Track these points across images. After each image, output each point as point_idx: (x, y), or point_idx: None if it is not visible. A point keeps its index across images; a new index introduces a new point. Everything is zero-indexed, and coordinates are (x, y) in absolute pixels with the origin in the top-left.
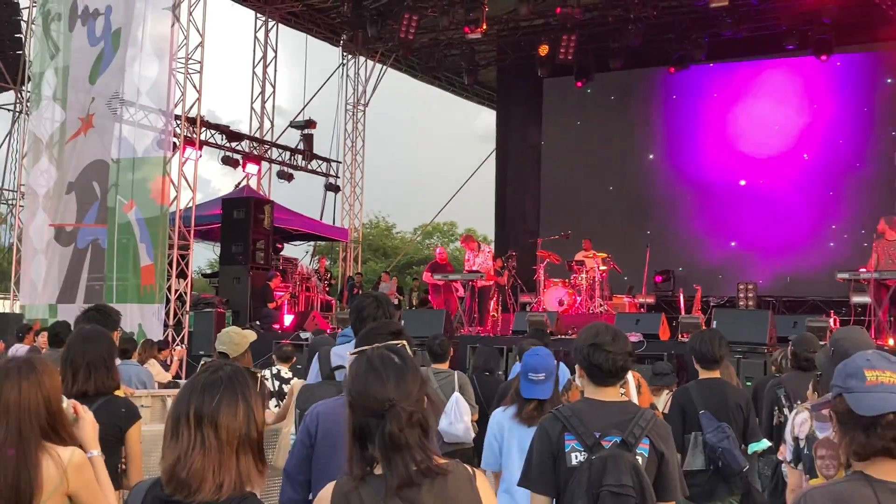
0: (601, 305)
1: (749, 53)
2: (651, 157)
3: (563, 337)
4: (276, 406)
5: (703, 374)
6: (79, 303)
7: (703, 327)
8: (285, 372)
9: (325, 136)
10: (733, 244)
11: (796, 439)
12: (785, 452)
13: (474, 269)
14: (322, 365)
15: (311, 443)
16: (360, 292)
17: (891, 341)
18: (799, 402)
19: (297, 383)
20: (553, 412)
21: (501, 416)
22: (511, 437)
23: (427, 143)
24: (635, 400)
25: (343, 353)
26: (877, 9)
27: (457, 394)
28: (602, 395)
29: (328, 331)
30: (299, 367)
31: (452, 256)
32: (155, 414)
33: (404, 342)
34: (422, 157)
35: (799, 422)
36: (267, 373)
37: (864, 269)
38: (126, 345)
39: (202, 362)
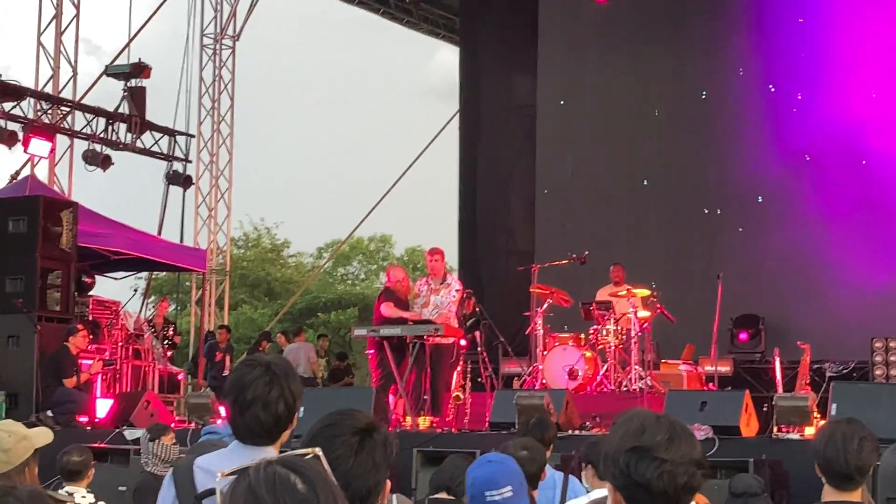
0: (642, 378)
1: None
2: (721, 119)
3: (575, 433)
4: None
5: (833, 496)
6: None
7: (815, 413)
8: (81, 496)
9: (166, 92)
10: (865, 273)
11: None
12: None
13: (429, 312)
14: (181, 492)
15: None
16: (228, 357)
17: None
18: None
19: None
20: None
21: None
22: None
23: (342, 106)
24: None
25: (216, 469)
26: None
27: None
28: None
29: (173, 425)
30: (122, 488)
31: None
32: None
33: (317, 453)
34: (333, 130)
35: None
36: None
37: None
38: None
39: None
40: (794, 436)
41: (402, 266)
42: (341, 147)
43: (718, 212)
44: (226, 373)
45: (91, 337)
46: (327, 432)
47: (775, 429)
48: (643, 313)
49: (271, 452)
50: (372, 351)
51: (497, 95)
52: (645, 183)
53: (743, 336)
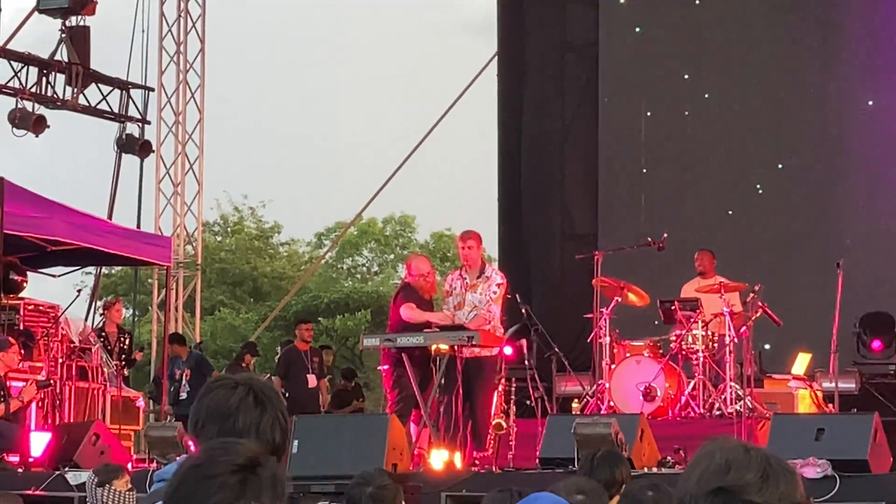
0: (740, 398)
1: None
2: (863, 49)
3: (653, 470)
4: None
5: None
6: None
7: None
8: None
9: (117, 33)
10: None
11: None
12: None
13: (465, 314)
14: None
15: None
16: (186, 373)
17: None
18: None
19: None
20: None
21: None
22: None
23: (348, 48)
24: None
25: None
26: None
27: None
28: None
29: (129, 466)
30: None
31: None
32: None
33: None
34: (336, 80)
35: None
36: None
37: None
38: None
39: None
40: None
41: (428, 256)
42: (346, 102)
43: (840, 180)
44: (182, 395)
45: (23, 352)
46: (197, 473)
47: None
48: (740, 310)
49: None
50: (387, 366)
51: (547, 31)
52: (758, 138)
53: (876, 344)
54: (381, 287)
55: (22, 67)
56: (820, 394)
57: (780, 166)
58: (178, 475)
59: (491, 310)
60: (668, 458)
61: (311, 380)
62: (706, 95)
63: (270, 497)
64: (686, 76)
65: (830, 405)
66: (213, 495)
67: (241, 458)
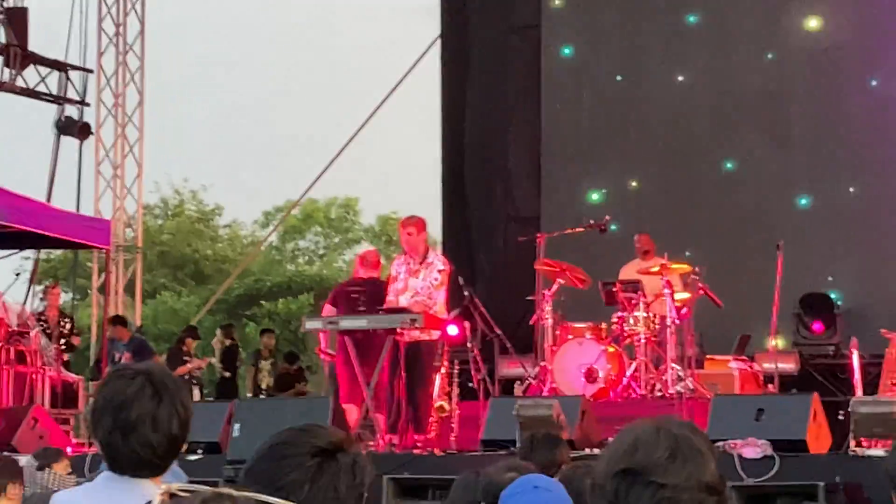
0: (681, 379)
1: None
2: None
3: (594, 452)
4: None
5: None
6: None
7: None
8: None
9: (55, 14)
10: None
11: None
12: None
13: (407, 299)
14: None
15: None
16: (135, 359)
17: None
18: None
19: None
20: None
21: None
22: None
23: (292, 29)
24: None
25: None
26: None
27: None
28: None
29: (68, 450)
30: None
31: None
32: None
33: None
34: (279, 61)
35: None
36: None
37: None
38: None
39: None
40: (878, 451)
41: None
42: (290, 83)
43: (782, 161)
44: None
45: None
46: (277, 452)
47: (853, 443)
48: (681, 295)
49: (151, 488)
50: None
51: (490, 13)
52: (695, 119)
53: (817, 326)
54: (325, 270)
55: None
56: (760, 374)
57: (722, 149)
58: (258, 452)
59: (432, 296)
60: (610, 439)
61: None
62: (650, 76)
63: (346, 483)
64: (629, 56)
65: (770, 385)
66: (288, 475)
67: (323, 441)
